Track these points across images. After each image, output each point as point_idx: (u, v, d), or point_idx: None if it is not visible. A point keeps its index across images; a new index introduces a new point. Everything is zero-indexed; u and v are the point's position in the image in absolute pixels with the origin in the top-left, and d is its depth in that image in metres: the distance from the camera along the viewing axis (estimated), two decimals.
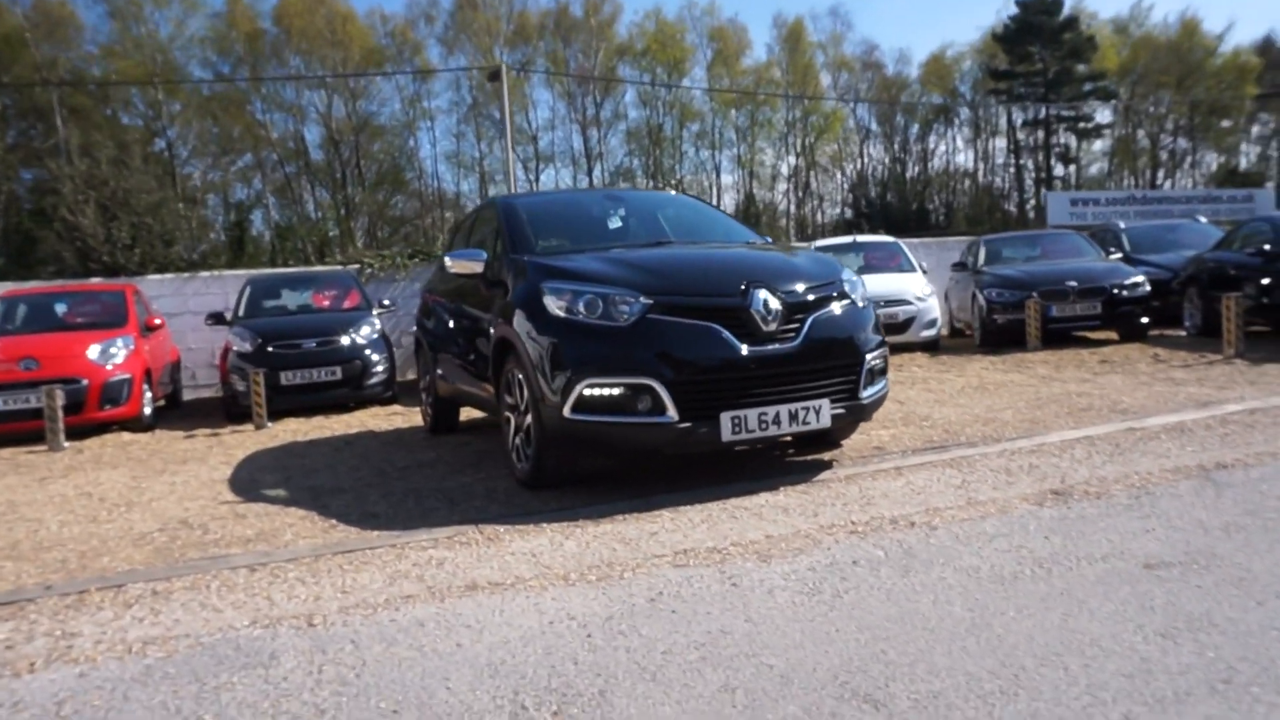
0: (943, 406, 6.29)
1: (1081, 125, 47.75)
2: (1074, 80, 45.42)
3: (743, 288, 4.13)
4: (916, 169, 54.87)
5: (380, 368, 9.19)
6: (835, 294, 4.41)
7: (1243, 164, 57.45)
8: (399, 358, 10.47)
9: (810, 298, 4.29)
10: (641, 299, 4.05)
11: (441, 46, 41.46)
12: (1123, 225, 14.50)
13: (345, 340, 9.14)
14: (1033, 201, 50.68)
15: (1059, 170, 49.47)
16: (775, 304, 4.14)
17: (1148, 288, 10.51)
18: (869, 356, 4.38)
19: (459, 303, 5.85)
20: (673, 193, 7.33)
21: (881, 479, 4.23)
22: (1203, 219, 14.91)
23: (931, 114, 53.22)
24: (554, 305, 4.21)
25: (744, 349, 4.02)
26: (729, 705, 2.05)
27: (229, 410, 9.02)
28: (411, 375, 9.81)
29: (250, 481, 5.52)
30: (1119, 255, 12.25)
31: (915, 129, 54.46)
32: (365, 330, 9.36)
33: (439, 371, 6.58)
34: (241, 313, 9.87)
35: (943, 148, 54.95)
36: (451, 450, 6.13)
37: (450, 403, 6.86)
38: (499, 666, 2.34)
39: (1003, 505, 3.63)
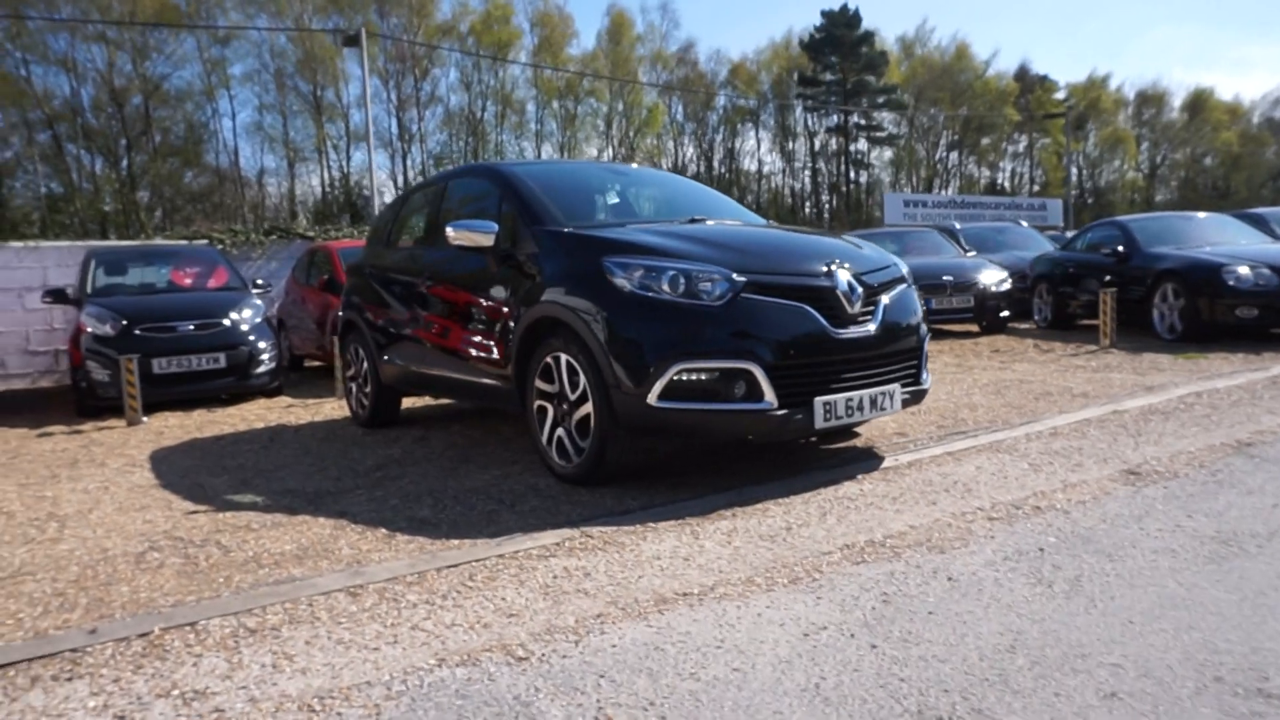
0: None
1: (874, 134, 51.69)
2: (869, 92, 49.03)
3: (826, 269, 3.96)
4: (723, 167, 57.11)
5: (267, 355, 8.16)
6: (897, 278, 4.34)
7: (999, 179, 64.59)
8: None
9: (880, 281, 4.18)
10: (734, 276, 3.76)
11: (242, 10, 37.84)
12: (958, 226, 15.71)
13: (227, 323, 8.03)
14: (829, 203, 54.23)
15: (854, 175, 53.30)
16: (858, 286, 4.01)
17: (1010, 283, 11.42)
18: (925, 341, 4.36)
19: (437, 279, 5.22)
20: (662, 170, 6.99)
21: (945, 465, 4.21)
22: (1024, 223, 16.50)
23: (738, 115, 55.58)
24: (625, 282, 3.82)
25: (835, 332, 3.85)
26: (1133, 713, 1.87)
27: (82, 404, 7.66)
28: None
29: (196, 487, 4.66)
30: (972, 254, 13.24)
31: (723, 129, 56.69)
32: (248, 312, 8.27)
33: (387, 357, 5.89)
34: (90, 290, 8.41)
35: (750, 146, 57.58)
36: (416, 444, 5.49)
37: (394, 391, 6.18)
38: (821, 693, 2.02)
39: (1099, 487, 3.70)
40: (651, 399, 3.68)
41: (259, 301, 8.58)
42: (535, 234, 4.43)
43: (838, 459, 4.43)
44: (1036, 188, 60.84)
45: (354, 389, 6.56)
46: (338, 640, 2.41)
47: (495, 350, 4.64)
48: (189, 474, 5.05)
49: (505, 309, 4.53)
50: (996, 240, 14.89)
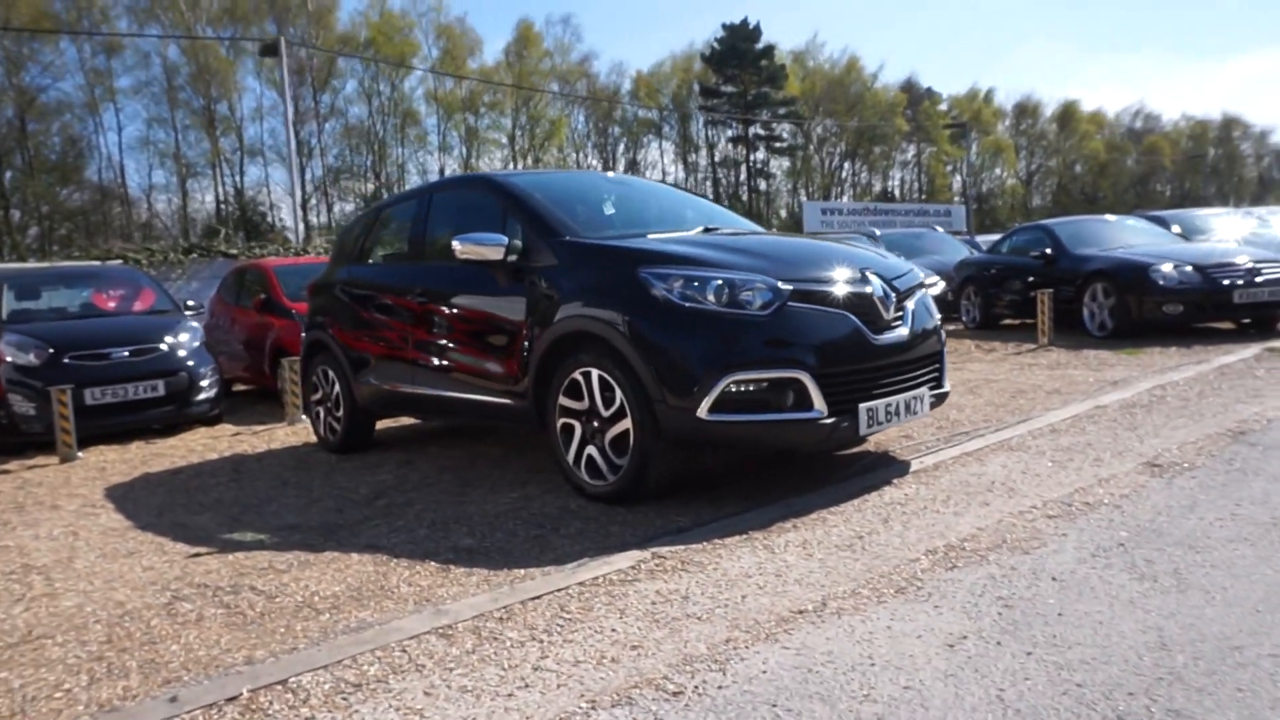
0: None
1: (775, 145, 52.99)
2: (769, 103, 50.24)
3: (861, 275, 3.96)
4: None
5: (208, 381, 7.65)
6: (918, 283, 4.38)
7: (890, 187, 67.22)
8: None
9: (906, 286, 4.22)
10: (779, 284, 3.71)
11: (131, 17, 35.65)
12: (878, 233, 16.21)
13: (164, 348, 7.49)
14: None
15: (755, 185, 54.47)
16: (890, 292, 4.02)
17: (941, 286, 11.83)
18: (944, 345, 4.42)
19: (429, 296, 4.97)
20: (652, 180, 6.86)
21: (970, 465, 4.27)
22: (939, 229, 17.17)
23: (641, 127, 56.05)
24: (666, 294, 3.72)
25: (874, 338, 3.85)
26: None
27: (2, 440, 6.98)
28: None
29: (180, 526, 4.29)
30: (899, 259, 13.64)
31: (625, 140, 57.07)
32: (185, 336, 7.74)
33: (364, 378, 5.59)
34: (4, 316, 7.69)
35: (653, 158, 58.10)
36: (402, 469, 5.22)
37: (368, 414, 5.88)
38: (1009, 704, 1.97)
39: (1131, 481, 3.80)
40: (702, 412, 3.59)
41: (195, 324, 8.05)
42: (553, 246, 4.27)
43: (859, 465, 4.43)
44: (923, 195, 63.59)
45: (321, 413, 6.20)
46: (461, 688, 2.22)
47: (505, 367, 4.46)
48: (164, 512, 4.65)
49: (518, 324, 4.35)
50: (916, 246, 15.40)
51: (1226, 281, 8.74)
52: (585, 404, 4.01)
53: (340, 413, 5.94)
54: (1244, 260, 8.92)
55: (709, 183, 58.11)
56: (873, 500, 3.75)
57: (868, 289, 3.92)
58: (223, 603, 3.04)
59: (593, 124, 54.69)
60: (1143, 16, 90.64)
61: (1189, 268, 8.87)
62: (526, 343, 4.28)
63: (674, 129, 55.05)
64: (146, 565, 3.64)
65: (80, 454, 6.64)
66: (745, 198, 51.07)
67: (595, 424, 3.99)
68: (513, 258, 4.39)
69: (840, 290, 3.84)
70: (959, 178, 63.34)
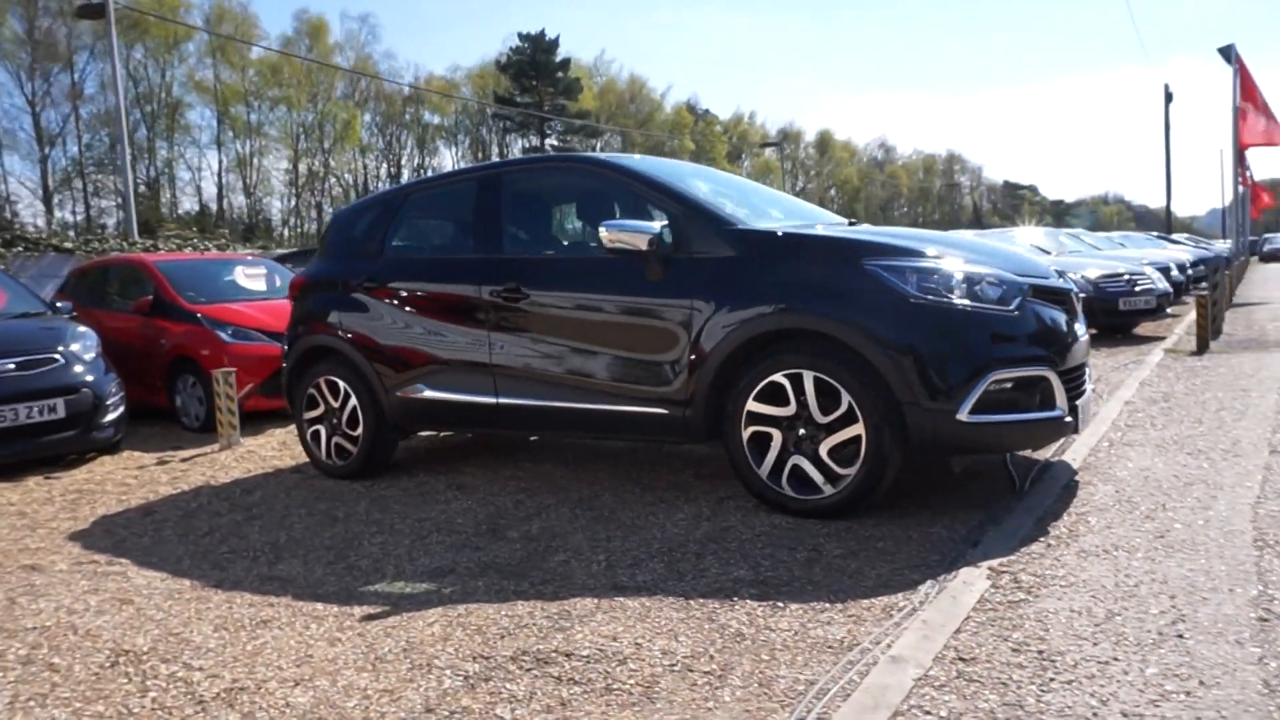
0: None
1: None
2: (565, 115, 50.34)
3: (1058, 272, 3.90)
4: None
5: (114, 399, 6.23)
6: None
7: None
8: None
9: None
10: (1022, 280, 3.54)
11: None
12: None
13: (59, 359, 6.00)
14: None
15: None
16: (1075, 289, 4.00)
17: None
18: None
19: (532, 293, 4.27)
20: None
21: (1122, 464, 4.33)
22: None
23: (434, 133, 54.16)
24: (907, 288, 3.43)
25: (1079, 335, 3.80)
26: None
27: None
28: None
29: (278, 581, 3.40)
30: None
31: (411, 145, 54.92)
32: (79, 346, 6.26)
33: (406, 387, 4.76)
34: None
35: (445, 164, 56.18)
36: (458, 493, 4.47)
37: (397, 431, 5.03)
38: None
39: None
40: (962, 414, 3.33)
41: (87, 329, 6.52)
42: (726, 236, 3.83)
43: (1019, 470, 4.34)
44: None
45: (323, 433, 5.20)
46: None
47: (656, 372, 3.93)
48: (222, 565, 3.65)
49: (678, 323, 3.85)
50: None
51: (1113, 291, 9.77)
52: (790, 409, 3.61)
53: (358, 431, 5.01)
54: (1124, 273, 10.01)
55: None
56: (1082, 498, 3.68)
57: (1069, 286, 3.87)
58: (562, 677, 2.34)
59: (378, 126, 52.01)
60: (890, 58, 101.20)
61: (1082, 279, 9.80)
62: (694, 344, 3.80)
63: (465, 136, 53.62)
64: (327, 636, 2.79)
65: None
66: None
67: (805, 431, 3.60)
68: (669, 247, 3.89)
69: (1058, 286, 3.76)
70: None
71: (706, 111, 69.14)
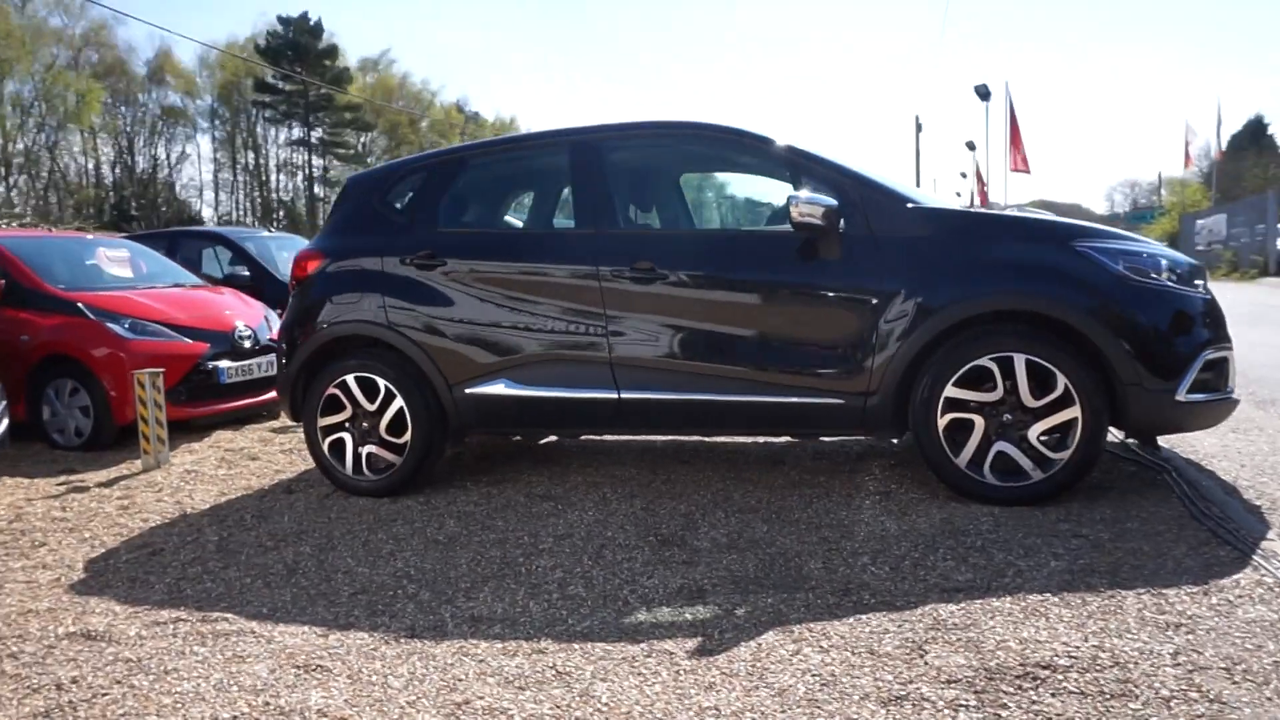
0: None
1: (338, 151, 49.74)
2: (335, 108, 47.10)
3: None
4: (148, 171, 49.17)
5: None
6: None
7: None
8: None
9: None
10: (1195, 262, 3.65)
11: None
12: None
13: None
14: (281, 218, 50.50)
15: (319, 191, 50.55)
16: None
17: None
18: None
19: (671, 273, 3.77)
20: None
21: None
22: None
23: (173, 116, 48.55)
24: (1123, 270, 3.43)
25: None
26: None
27: None
28: None
29: (476, 621, 2.71)
30: None
31: (146, 130, 48.95)
32: None
33: (494, 385, 4.08)
34: None
35: (191, 151, 50.47)
36: (558, 504, 3.90)
37: (456, 436, 4.30)
38: None
39: None
40: (1180, 394, 3.37)
41: None
42: (915, 214, 3.62)
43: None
44: None
45: (349, 442, 4.30)
46: None
47: (834, 359, 3.64)
48: (376, 611, 2.86)
49: (860, 306, 3.59)
50: None
51: None
52: (995, 394, 3.47)
53: (404, 438, 4.20)
54: None
55: (256, 186, 52.36)
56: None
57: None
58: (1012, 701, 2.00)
59: (106, 105, 45.61)
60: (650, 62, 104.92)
61: None
62: (883, 327, 3.55)
63: (217, 125, 48.46)
64: (691, 684, 2.22)
65: None
66: (312, 204, 47.02)
67: (1011, 416, 3.47)
68: (831, 222, 3.61)
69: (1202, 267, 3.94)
70: None
71: (477, 114, 68.12)
